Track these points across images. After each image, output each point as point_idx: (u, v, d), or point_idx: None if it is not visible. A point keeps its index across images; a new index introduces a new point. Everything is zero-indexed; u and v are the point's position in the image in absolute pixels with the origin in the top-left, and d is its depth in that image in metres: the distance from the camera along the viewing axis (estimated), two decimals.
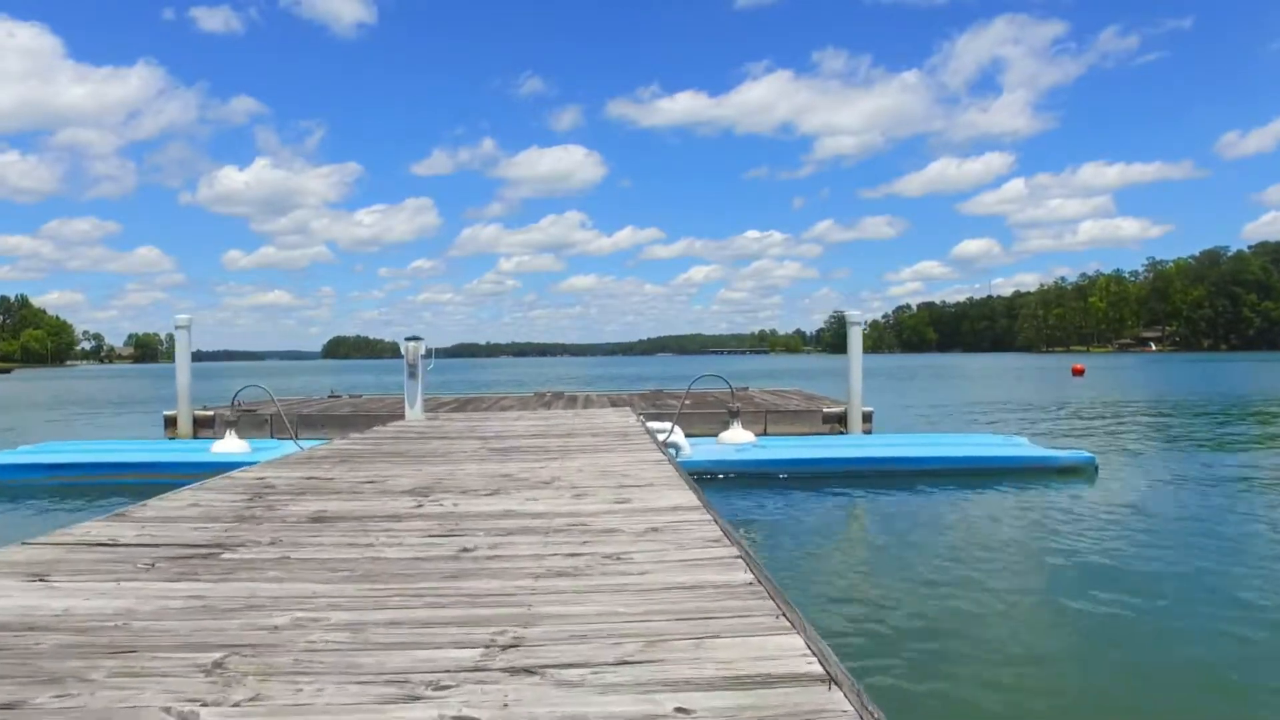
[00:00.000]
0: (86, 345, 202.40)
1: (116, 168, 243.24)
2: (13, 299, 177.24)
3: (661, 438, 8.42)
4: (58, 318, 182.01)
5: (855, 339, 11.65)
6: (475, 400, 14.98)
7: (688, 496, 4.17)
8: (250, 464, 6.41)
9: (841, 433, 11.52)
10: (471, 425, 9.12)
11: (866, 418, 11.68)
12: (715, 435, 11.29)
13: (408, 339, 10.12)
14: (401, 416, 10.25)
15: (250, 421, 11.77)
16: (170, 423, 12.01)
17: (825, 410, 11.70)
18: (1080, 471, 8.89)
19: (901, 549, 6.19)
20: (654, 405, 12.71)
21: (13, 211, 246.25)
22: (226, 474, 5.30)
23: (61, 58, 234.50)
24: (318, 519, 3.85)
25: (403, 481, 4.98)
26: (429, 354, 10.23)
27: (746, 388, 15.67)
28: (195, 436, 11.70)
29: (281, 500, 4.35)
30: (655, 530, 3.43)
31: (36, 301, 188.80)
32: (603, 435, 7.61)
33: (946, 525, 7.06)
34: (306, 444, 8.56)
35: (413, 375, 10.11)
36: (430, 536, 3.44)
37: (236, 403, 11.33)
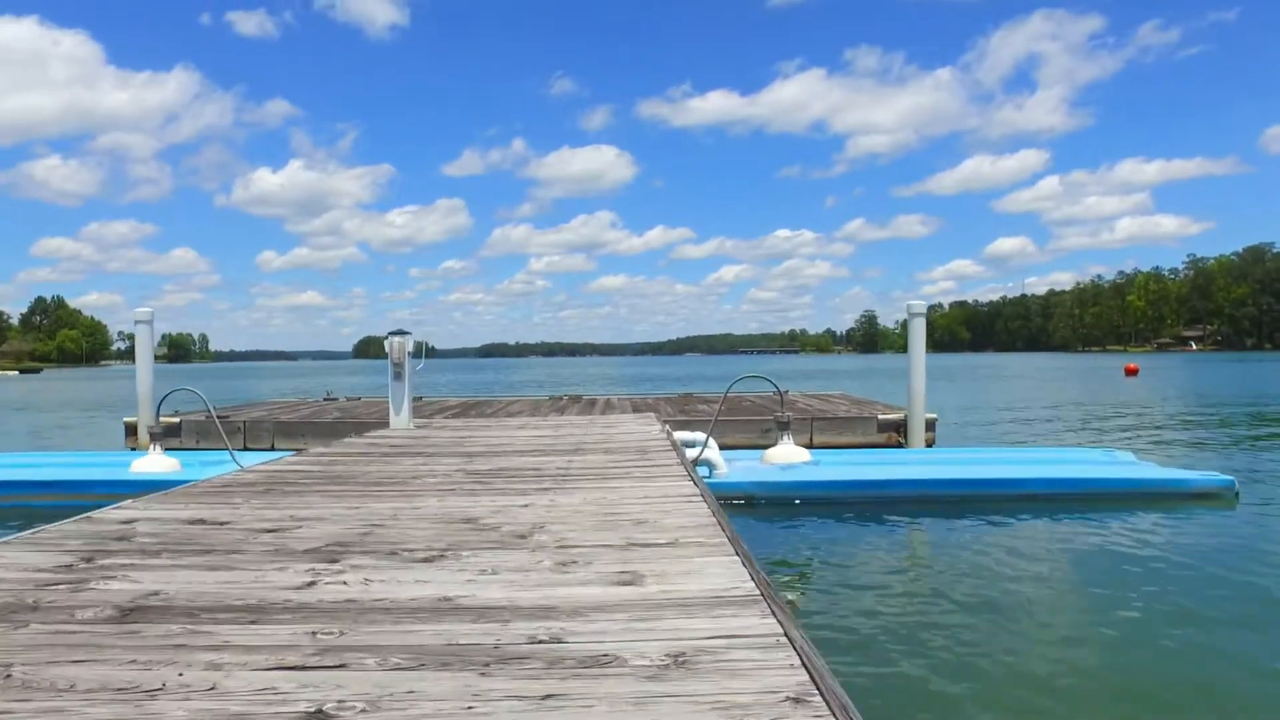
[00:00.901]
0: (121, 345, 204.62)
1: (155, 171, 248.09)
2: (49, 300, 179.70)
3: (692, 454, 6.86)
4: (93, 318, 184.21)
5: (918, 333, 9.99)
6: (482, 404, 13.48)
7: (735, 573, 2.60)
8: (174, 484, 4.97)
9: (901, 444, 9.88)
10: (463, 436, 7.60)
11: (930, 425, 10.03)
12: (755, 448, 9.75)
13: (391, 334, 8.64)
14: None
15: (218, 431, 10.35)
16: (131, 430, 10.61)
17: (881, 417, 10.06)
18: (1217, 498, 7.16)
19: (1028, 616, 4.58)
20: (683, 411, 11.14)
21: (55, 215, 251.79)
22: (88, 514, 3.81)
23: (102, 64, 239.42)
24: (125, 616, 2.33)
25: (320, 530, 3.46)
26: (418, 352, 8.74)
27: (787, 391, 14.06)
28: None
29: (113, 567, 2.85)
30: (683, 663, 1.87)
31: (76, 303, 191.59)
32: (618, 452, 6.06)
33: (1071, 575, 5.43)
34: (256, 458, 7.10)
35: (398, 377, 8.62)
36: (282, 669, 1.90)
37: (173, 412, 9.91)
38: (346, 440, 7.38)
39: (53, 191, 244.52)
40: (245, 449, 10.24)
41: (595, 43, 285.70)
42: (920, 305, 10.04)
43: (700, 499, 3.96)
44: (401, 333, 8.65)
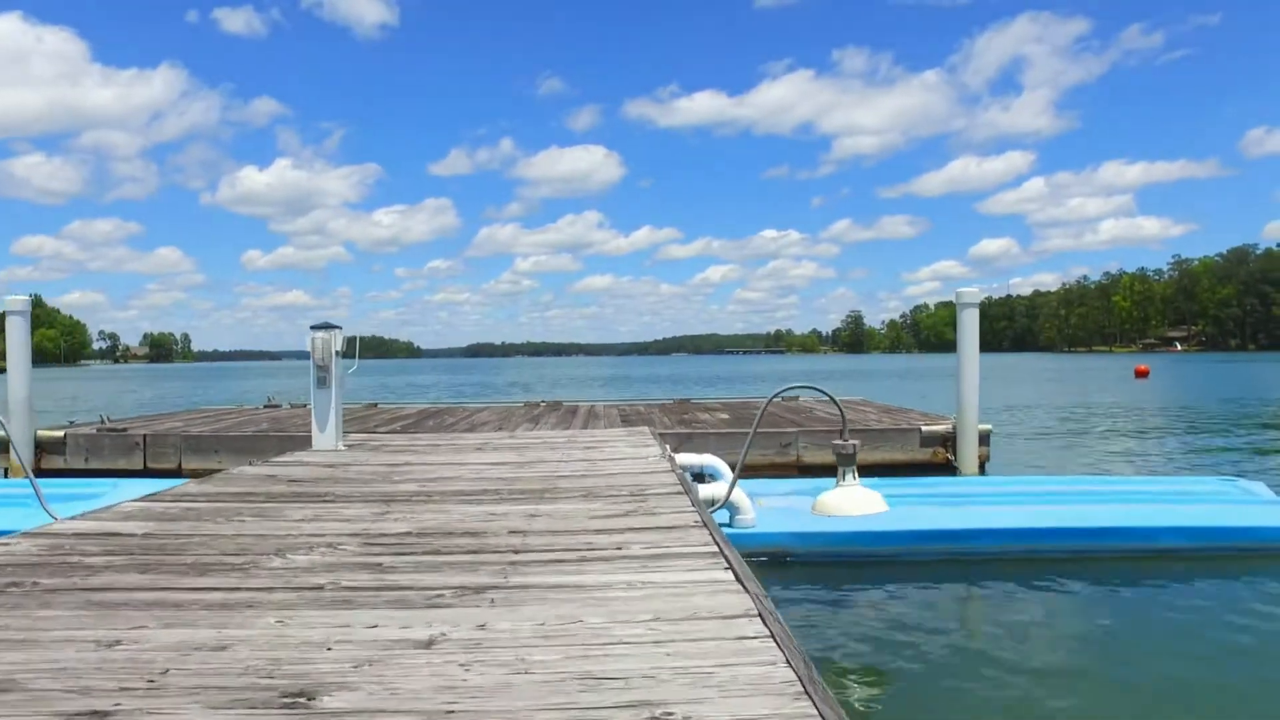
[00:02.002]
0: (101, 345, 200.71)
1: (139, 169, 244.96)
2: (26, 298, 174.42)
3: (707, 493, 5.01)
4: (71, 317, 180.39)
5: (970, 328, 8.15)
6: (445, 412, 11.57)
7: None
8: None
9: (950, 463, 8.07)
10: (396, 465, 5.72)
11: (984, 439, 8.24)
12: (774, 470, 7.92)
13: (315, 327, 6.74)
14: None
15: (117, 446, 8.42)
16: (1, 448, 8.59)
17: (925, 429, 8.25)
18: None
19: None
20: (681, 422, 9.30)
21: (37, 213, 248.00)
22: None
23: (87, 61, 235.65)
24: None
25: None
26: (350, 350, 6.85)
27: (798, 398, 12.23)
28: (39, 468, 8.31)
29: None
30: None
31: (57, 302, 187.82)
32: (604, 496, 4.21)
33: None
34: (145, 486, 5.20)
35: (323, 383, 6.73)
36: None
37: (67, 423, 7.97)
38: (236, 471, 5.48)
39: (35, 190, 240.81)
40: (146, 471, 8.32)
41: (584, 43, 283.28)
42: (973, 293, 8.19)
43: (758, 619, 2.12)
44: (328, 326, 6.76)
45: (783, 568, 4.97)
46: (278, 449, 7.76)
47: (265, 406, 12.48)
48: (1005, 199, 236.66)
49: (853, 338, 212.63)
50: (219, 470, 5.98)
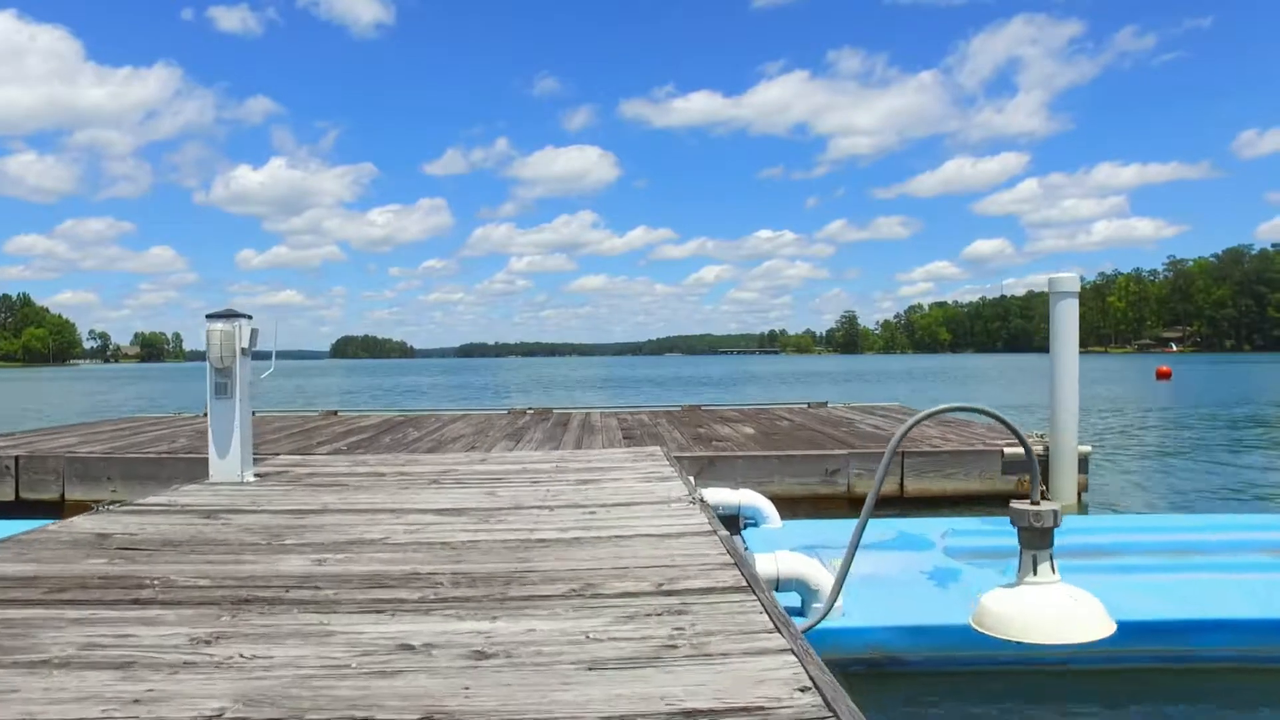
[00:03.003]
0: (92, 344, 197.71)
1: (133, 168, 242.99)
2: (14, 297, 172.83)
3: (768, 569, 3.23)
4: (60, 316, 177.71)
5: (1067, 321, 6.38)
6: (410, 423, 9.74)
7: None
8: None
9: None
10: (300, 515, 3.93)
11: (1082, 463, 6.51)
12: (811, 505, 6.22)
13: (211, 316, 4.96)
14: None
15: None
16: None
17: (1008, 450, 6.50)
18: None
19: None
20: (698, 440, 7.55)
21: (29, 211, 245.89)
22: None
23: (81, 60, 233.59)
24: None
25: None
26: (253, 345, 5.06)
27: (825, 403, 10.50)
28: None
29: None
30: None
31: (49, 301, 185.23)
32: (612, 596, 2.47)
33: None
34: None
35: (223, 391, 4.96)
36: None
37: None
38: (52, 528, 3.67)
39: (27, 188, 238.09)
40: (18, 504, 6.53)
41: (580, 42, 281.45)
42: (1071, 280, 6.41)
43: None
44: (232, 315, 4.98)
45: (884, 678, 3.23)
46: (186, 474, 6.04)
47: (204, 415, 10.62)
48: (999, 200, 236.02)
49: (847, 338, 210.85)
50: (114, 502, 4.24)
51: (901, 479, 6.39)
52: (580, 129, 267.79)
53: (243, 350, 4.96)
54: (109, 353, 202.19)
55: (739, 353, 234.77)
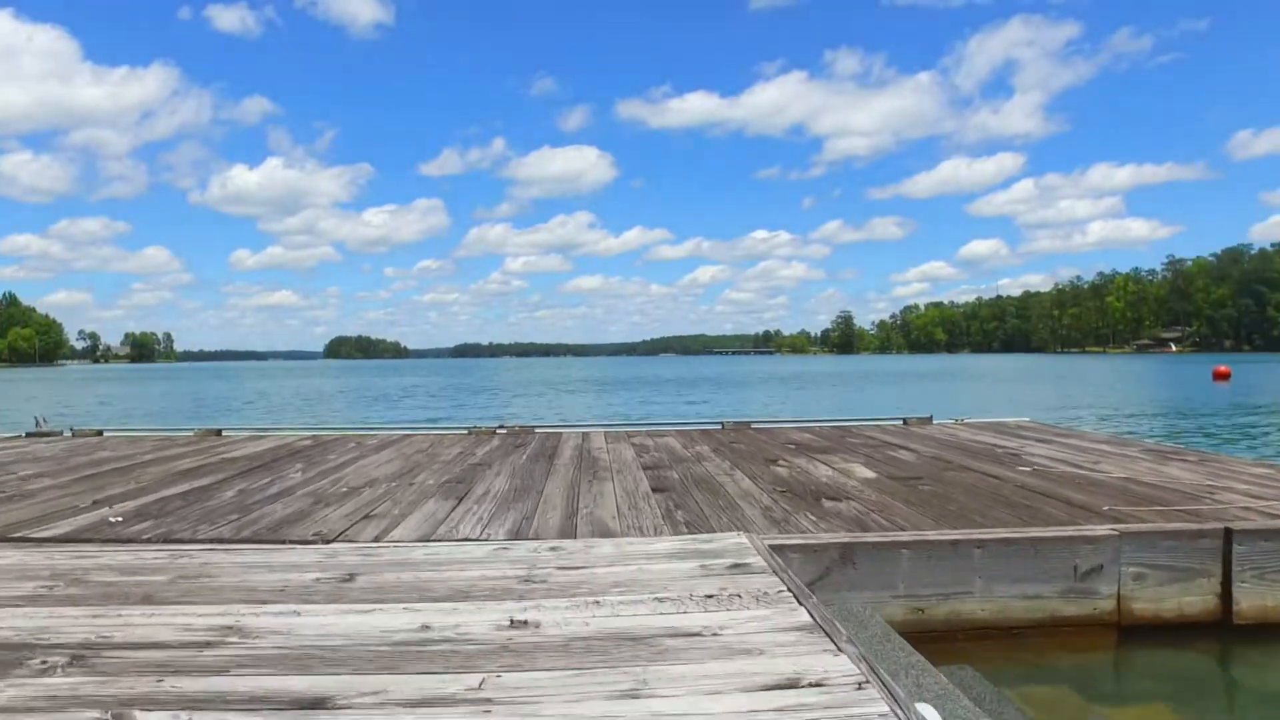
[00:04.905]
0: (81, 344, 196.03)
1: (129, 168, 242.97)
2: (1, 297, 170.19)
3: None
4: (47, 316, 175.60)
5: None
6: (312, 451, 6.80)
7: None
8: None
9: None
10: None
11: None
12: (1050, 634, 3.33)
13: None
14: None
15: None
16: None
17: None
18: None
19: None
20: (781, 487, 4.73)
21: (23, 211, 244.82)
22: None
23: (78, 59, 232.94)
24: None
25: None
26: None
27: (930, 418, 8.83)
28: None
29: None
30: None
31: (41, 301, 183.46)
32: None
33: None
34: None
35: None
36: None
37: None
38: None
39: (22, 188, 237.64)
40: None
41: (577, 43, 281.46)
42: None
43: None
44: None
45: None
46: None
47: (29, 435, 8.83)
48: (994, 200, 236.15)
49: (843, 338, 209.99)
50: None
51: (1226, 585, 3.44)
52: (577, 129, 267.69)
53: None
54: (98, 353, 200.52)
55: (734, 353, 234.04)
